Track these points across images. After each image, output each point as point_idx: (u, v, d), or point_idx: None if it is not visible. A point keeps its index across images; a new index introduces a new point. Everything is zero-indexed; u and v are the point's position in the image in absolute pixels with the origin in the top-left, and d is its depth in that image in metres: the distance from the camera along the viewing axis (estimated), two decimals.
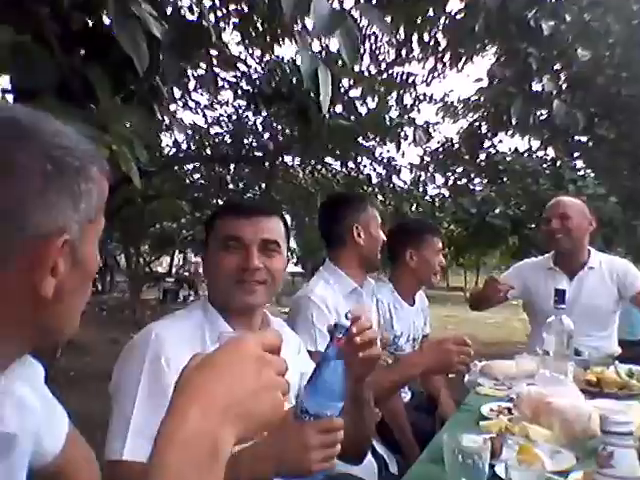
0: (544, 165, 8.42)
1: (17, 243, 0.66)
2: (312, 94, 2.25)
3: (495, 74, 4.14)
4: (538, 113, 5.16)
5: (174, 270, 22.18)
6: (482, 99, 6.26)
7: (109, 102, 1.54)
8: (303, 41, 1.72)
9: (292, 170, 9.01)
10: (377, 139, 6.00)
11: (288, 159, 8.54)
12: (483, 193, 7.77)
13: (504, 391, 2.16)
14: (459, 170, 9.22)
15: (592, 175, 7.86)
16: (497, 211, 7.43)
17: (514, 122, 4.23)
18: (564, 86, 4.37)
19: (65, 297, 0.72)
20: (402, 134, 4.67)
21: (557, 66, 4.42)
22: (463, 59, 4.53)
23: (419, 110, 7.71)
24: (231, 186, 10.35)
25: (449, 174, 9.30)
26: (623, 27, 8.79)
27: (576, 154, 7.86)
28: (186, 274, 20.63)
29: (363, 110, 5.29)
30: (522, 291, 3.23)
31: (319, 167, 7.89)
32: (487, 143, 9.16)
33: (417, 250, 2.76)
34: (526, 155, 8.74)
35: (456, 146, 9.04)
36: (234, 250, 1.46)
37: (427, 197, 8.42)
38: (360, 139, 5.39)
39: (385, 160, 7.15)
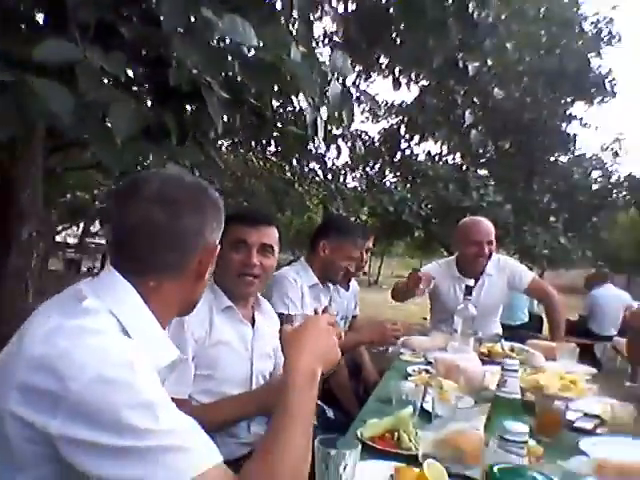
0: (452, 171, 9.40)
1: (200, 249, 1.18)
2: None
3: (424, 102, 4.78)
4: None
5: (78, 241, 21.37)
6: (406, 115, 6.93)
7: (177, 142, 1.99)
8: (308, 100, 2.23)
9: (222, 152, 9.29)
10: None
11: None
12: (400, 192, 8.58)
13: (420, 358, 2.83)
14: (377, 167, 10.04)
15: (492, 184, 8.96)
16: (410, 209, 8.28)
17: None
18: (478, 113, 5.10)
19: (206, 279, 1.24)
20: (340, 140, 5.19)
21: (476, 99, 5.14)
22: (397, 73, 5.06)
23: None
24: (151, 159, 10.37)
25: (368, 169, 10.11)
26: (533, 56, 9.96)
27: (481, 162, 8.92)
28: (92, 245, 20.03)
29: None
30: (432, 288, 3.83)
31: (250, 154, 8.29)
32: (404, 144, 10.06)
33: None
34: (437, 159, 9.69)
35: (376, 144, 9.85)
36: (240, 250, 1.99)
37: (346, 190, 9.10)
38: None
39: (321, 158, 7.72)
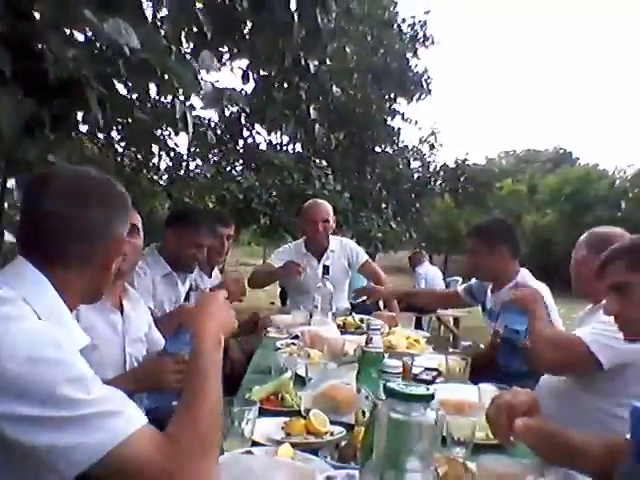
0: (296, 161, 9.85)
1: (107, 240, 1.27)
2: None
3: (272, 95, 4.97)
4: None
5: None
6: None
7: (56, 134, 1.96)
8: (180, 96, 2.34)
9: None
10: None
11: None
12: (248, 180, 8.75)
13: (285, 334, 3.10)
14: (221, 155, 10.11)
15: (331, 174, 9.59)
16: (259, 197, 8.52)
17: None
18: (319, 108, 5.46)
19: (112, 270, 1.34)
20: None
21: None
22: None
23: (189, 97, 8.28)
24: None
25: (211, 156, 10.13)
26: (361, 54, 10.77)
27: (321, 152, 9.43)
28: None
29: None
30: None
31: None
32: (246, 133, 10.27)
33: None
34: (279, 148, 10.06)
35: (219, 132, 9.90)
36: None
37: (196, 177, 9.06)
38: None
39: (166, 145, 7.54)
